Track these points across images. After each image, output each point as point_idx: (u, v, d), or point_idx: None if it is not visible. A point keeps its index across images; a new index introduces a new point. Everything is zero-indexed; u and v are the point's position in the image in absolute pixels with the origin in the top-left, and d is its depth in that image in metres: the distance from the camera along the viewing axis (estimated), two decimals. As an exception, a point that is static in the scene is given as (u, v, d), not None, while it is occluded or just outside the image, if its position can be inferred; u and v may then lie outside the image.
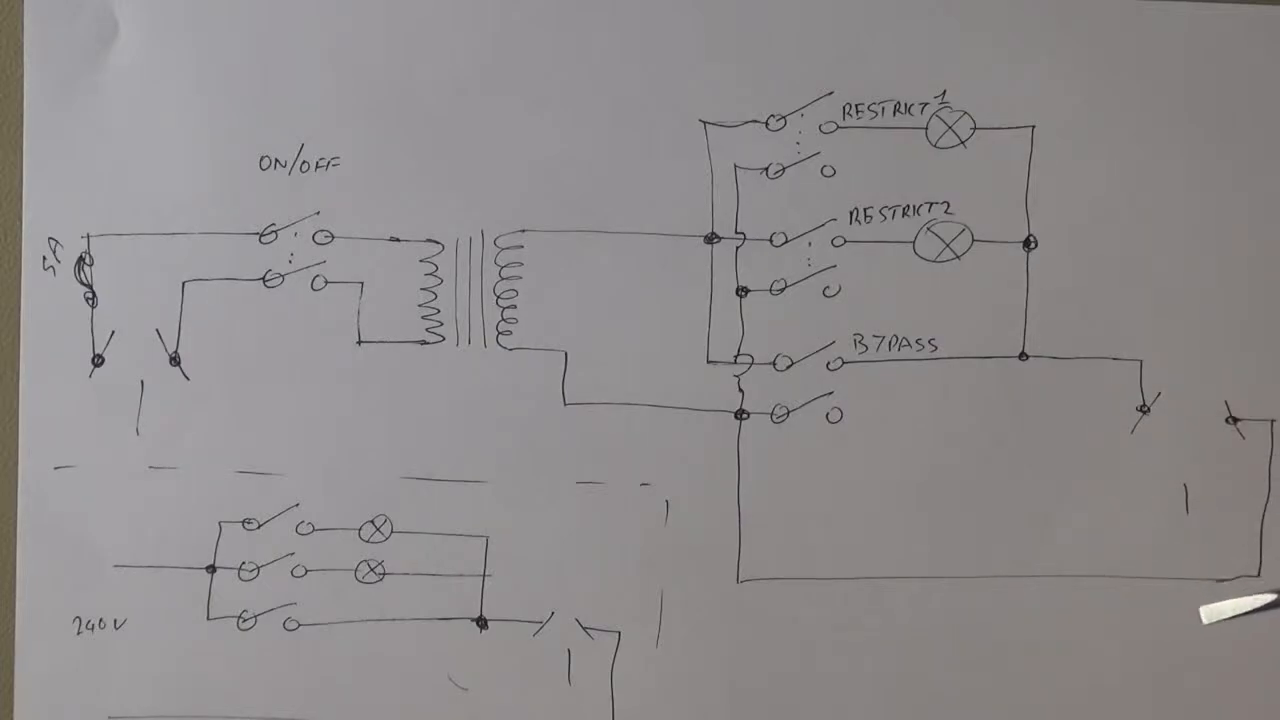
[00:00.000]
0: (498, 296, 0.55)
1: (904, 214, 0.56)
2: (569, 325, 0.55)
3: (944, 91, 0.56)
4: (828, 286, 0.56)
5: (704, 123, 0.55)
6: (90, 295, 0.55)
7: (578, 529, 0.56)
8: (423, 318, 0.55)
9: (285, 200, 0.55)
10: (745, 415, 0.56)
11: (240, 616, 0.56)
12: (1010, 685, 0.57)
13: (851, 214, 0.56)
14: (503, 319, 0.55)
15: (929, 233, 0.56)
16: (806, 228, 0.56)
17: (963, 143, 0.56)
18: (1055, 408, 0.57)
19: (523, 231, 0.55)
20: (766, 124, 0.56)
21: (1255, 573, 0.57)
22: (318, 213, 0.55)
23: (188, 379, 0.55)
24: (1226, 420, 0.57)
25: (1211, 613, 0.56)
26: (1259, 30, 0.56)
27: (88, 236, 0.54)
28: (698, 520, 0.56)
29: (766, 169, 0.56)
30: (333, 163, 0.55)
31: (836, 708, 0.57)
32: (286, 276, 0.55)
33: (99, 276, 0.55)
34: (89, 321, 0.55)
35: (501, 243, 0.55)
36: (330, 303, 0.55)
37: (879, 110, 0.56)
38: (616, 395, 0.56)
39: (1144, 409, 0.57)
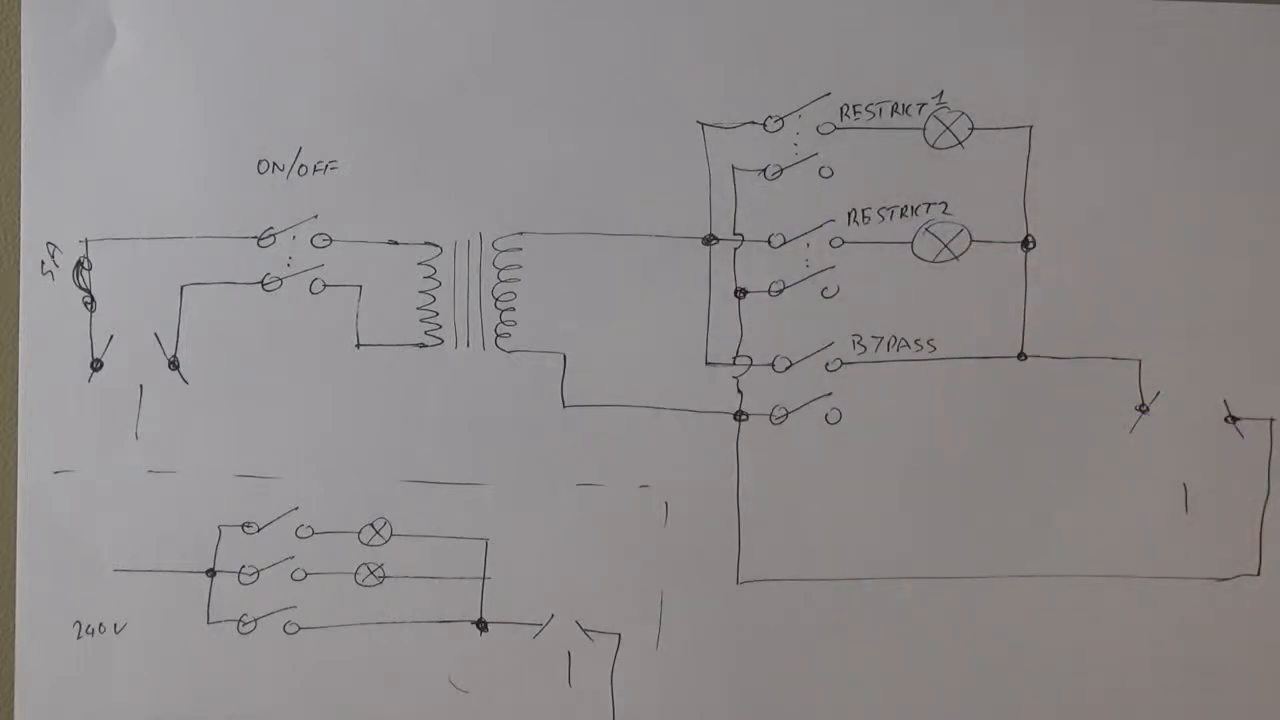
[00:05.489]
0: (496, 299, 0.55)
1: (902, 214, 0.56)
2: (567, 327, 0.55)
3: (941, 92, 0.56)
4: (826, 287, 0.56)
5: (701, 124, 0.55)
6: (89, 299, 0.55)
7: (577, 531, 0.56)
8: (421, 320, 0.55)
9: (283, 204, 0.55)
10: (744, 416, 0.56)
11: (240, 620, 0.56)
12: (1010, 685, 0.57)
13: (849, 215, 0.56)
14: (501, 321, 0.55)
15: (927, 233, 0.56)
16: (804, 229, 0.56)
17: (960, 143, 0.56)
18: (1054, 408, 0.57)
19: (521, 234, 0.55)
20: (764, 125, 0.55)
21: (1255, 572, 0.57)
22: (316, 216, 0.55)
23: (187, 383, 0.55)
24: (1226, 419, 0.57)
25: None
26: (1258, 30, 0.56)
27: (86, 241, 0.54)
28: (697, 522, 0.56)
29: (764, 170, 0.56)
30: (330, 166, 0.55)
31: (836, 708, 0.57)
32: (285, 280, 0.55)
33: (97, 281, 0.55)
34: (88, 326, 0.55)
35: (500, 245, 0.55)
36: (329, 306, 0.55)
37: (877, 111, 0.56)
38: (615, 397, 0.56)
39: (1143, 408, 0.57)
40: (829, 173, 0.56)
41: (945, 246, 0.56)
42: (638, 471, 0.56)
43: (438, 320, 0.55)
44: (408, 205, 0.55)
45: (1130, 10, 0.56)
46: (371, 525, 0.56)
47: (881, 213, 0.56)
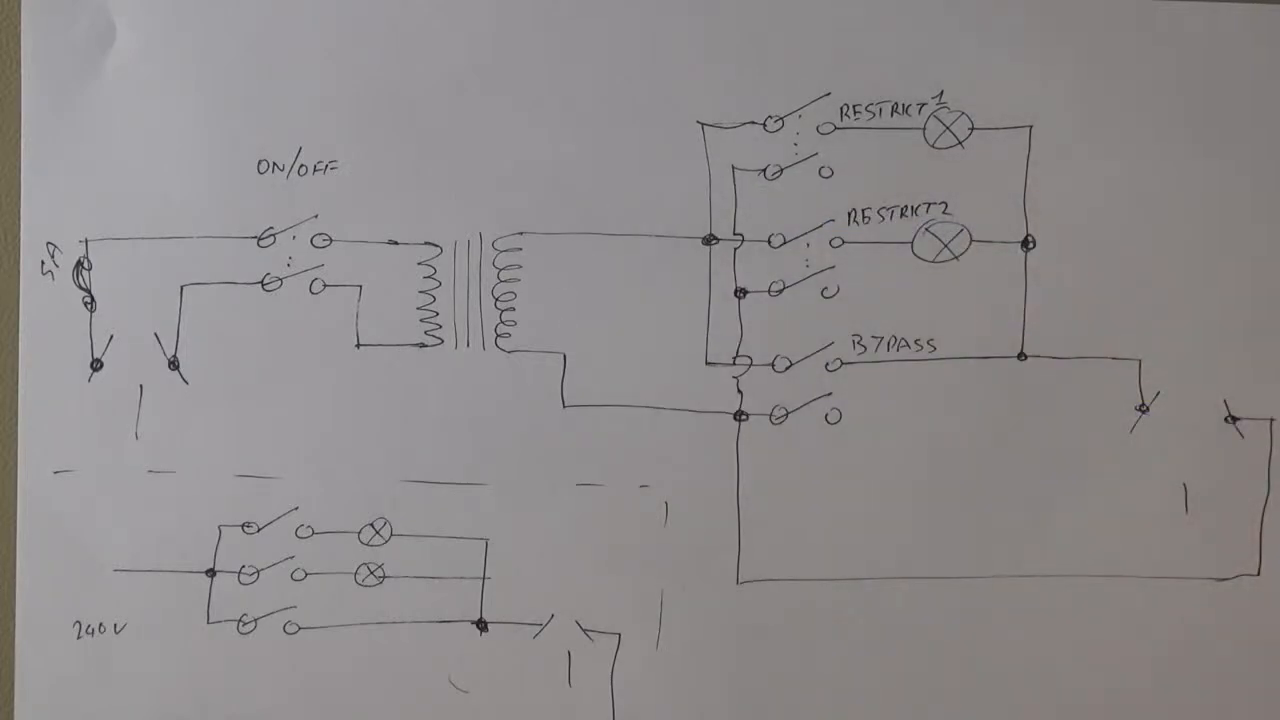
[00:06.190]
0: (496, 299, 0.55)
1: (902, 214, 0.56)
2: (567, 327, 0.56)
3: (941, 92, 0.56)
4: (826, 287, 0.56)
5: (701, 124, 0.55)
6: (89, 299, 0.55)
7: (577, 531, 0.56)
8: (421, 320, 0.55)
9: (283, 204, 0.55)
10: (744, 416, 0.56)
11: (240, 620, 0.56)
12: (1010, 685, 0.57)
13: (849, 215, 0.56)
14: (501, 321, 0.56)
15: (927, 233, 0.56)
16: (804, 229, 0.56)
17: (960, 143, 0.56)
18: (1054, 408, 0.57)
19: (521, 234, 0.55)
20: (764, 125, 0.55)
21: (1255, 572, 0.57)
22: (316, 216, 0.55)
23: (186, 383, 0.55)
24: (1226, 419, 0.57)
25: None
26: (1258, 30, 0.56)
27: (86, 241, 0.54)
28: (697, 522, 0.56)
29: (764, 170, 0.56)
30: (330, 166, 0.55)
31: (836, 708, 0.57)
32: (285, 280, 0.55)
33: (97, 281, 0.55)
34: (88, 326, 0.55)
35: (499, 245, 0.55)
36: (329, 306, 0.55)
37: (877, 111, 0.56)
38: (615, 397, 0.56)
39: (1143, 408, 0.57)
40: (829, 173, 0.56)
41: (945, 246, 0.56)
42: (638, 471, 0.56)
43: (438, 320, 0.55)
44: (408, 205, 0.55)
45: (1130, 10, 0.56)
46: (371, 525, 0.56)
47: (881, 213, 0.56)
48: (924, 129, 0.56)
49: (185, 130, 0.54)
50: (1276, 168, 0.56)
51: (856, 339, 0.56)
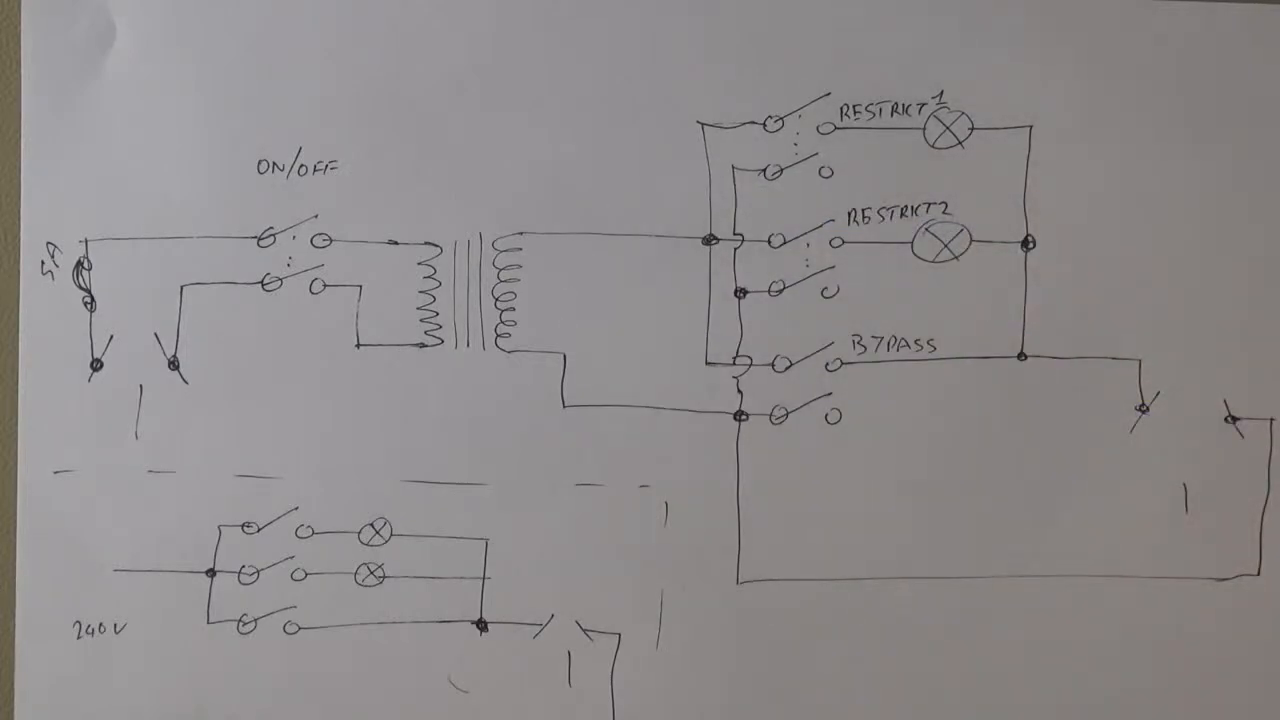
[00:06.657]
0: (496, 299, 0.55)
1: (902, 214, 0.56)
2: (567, 327, 0.56)
3: (941, 92, 0.56)
4: (826, 287, 0.56)
5: (701, 124, 0.55)
6: (89, 299, 0.55)
7: (577, 531, 0.56)
8: (421, 320, 0.55)
9: (283, 204, 0.55)
10: (744, 416, 0.56)
11: (240, 620, 0.56)
12: (1010, 685, 0.57)
13: (850, 215, 0.56)
14: (501, 321, 0.56)
15: (927, 233, 0.56)
16: (804, 229, 0.56)
17: (960, 143, 0.56)
18: (1054, 408, 0.57)
19: (521, 234, 0.55)
20: (764, 125, 0.56)
21: (1255, 572, 0.57)
22: (316, 216, 0.55)
23: (186, 383, 0.55)
24: (1226, 419, 0.57)
25: None
26: (1258, 30, 0.56)
27: (86, 241, 0.54)
28: (697, 522, 0.56)
29: (764, 170, 0.56)
30: (330, 166, 0.55)
31: (836, 708, 0.57)
32: (285, 280, 0.55)
33: (97, 281, 0.55)
34: (88, 326, 0.55)
35: (499, 245, 0.55)
36: (329, 306, 0.55)
37: (877, 111, 0.56)
38: (615, 397, 0.56)
39: (1143, 408, 0.57)
40: (829, 173, 0.56)
41: (945, 246, 0.56)
42: (638, 471, 0.56)
43: (438, 320, 0.55)
44: (408, 205, 0.55)
45: (1130, 10, 0.56)
46: (371, 525, 0.56)
47: (881, 213, 0.56)
48: (924, 129, 0.56)
49: (185, 130, 0.54)
50: (1276, 168, 0.56)
51: (856, 339, 0.56)
